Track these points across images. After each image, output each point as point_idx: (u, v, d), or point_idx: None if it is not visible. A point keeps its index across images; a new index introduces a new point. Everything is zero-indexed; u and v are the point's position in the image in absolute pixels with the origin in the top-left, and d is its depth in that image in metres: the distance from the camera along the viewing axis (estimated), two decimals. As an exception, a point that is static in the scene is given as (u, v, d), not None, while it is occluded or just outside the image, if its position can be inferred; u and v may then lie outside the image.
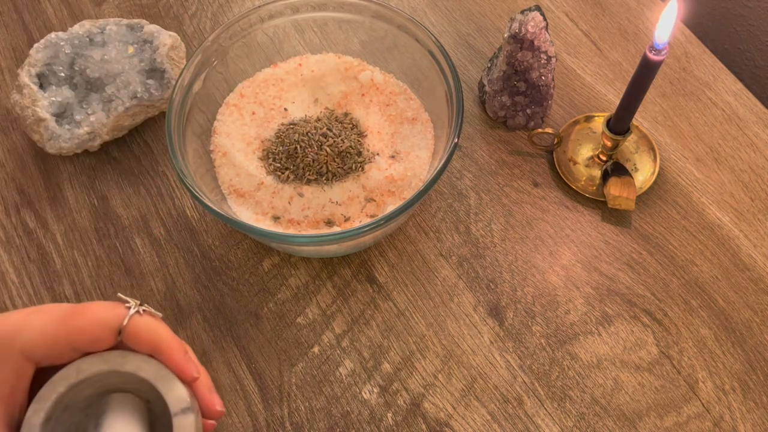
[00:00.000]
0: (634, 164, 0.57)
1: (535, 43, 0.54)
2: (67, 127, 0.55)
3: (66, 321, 0.34)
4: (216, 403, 0.37)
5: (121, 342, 0.36)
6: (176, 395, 0.35)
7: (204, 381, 0.37)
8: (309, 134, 0.53)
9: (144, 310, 0.36)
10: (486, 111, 0.60)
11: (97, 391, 0.36)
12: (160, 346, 0.35)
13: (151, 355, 0.36)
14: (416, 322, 0.52)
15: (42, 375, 0.35)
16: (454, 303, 0.52)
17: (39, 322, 0.34)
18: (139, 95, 0.56)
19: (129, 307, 0.36)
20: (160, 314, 0.37)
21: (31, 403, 0.34)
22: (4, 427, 0.33)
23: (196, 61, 0.52)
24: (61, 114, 0.56)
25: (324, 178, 0.53)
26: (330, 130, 0.54)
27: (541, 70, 0.55)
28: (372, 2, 0.55)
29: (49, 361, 0.34)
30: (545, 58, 0.55)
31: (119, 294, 0.38)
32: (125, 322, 0.35)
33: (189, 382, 0.36)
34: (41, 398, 0.34)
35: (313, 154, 0.53)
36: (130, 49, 0.58)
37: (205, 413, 0.37)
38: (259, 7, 0.55)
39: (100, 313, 0.35)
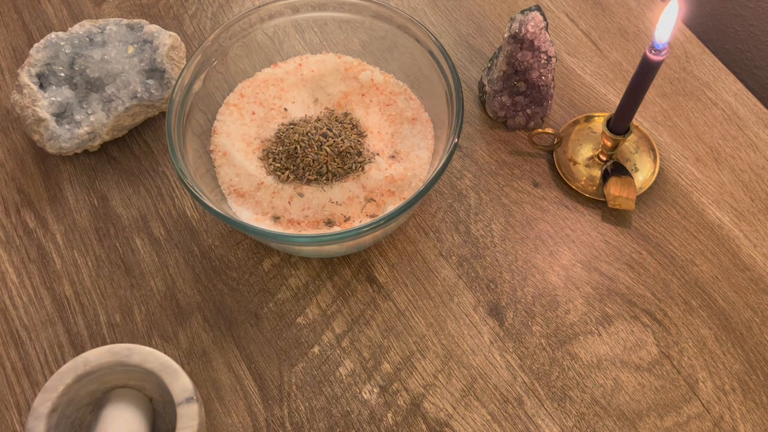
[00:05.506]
0: (634, 164, 0.57)
1: (535, 43, 0.54)
2: (67, 127, 0.55)
3: None
4: None
5: None
6: (181, 385, 0.35)
7: None
8: (309, 134, 0.53)
9: None
10: (486, 111, 0.60)
11: (101, 387, 0.37)
12: None
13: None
14: (416, 322, 0.52)
15: None
16: (454, 303, 0.52)
17: None
18: (139, 95, 0.56)
19: None
20: None
21: (39, 393, 0.34)
22: None
23: (196, 61, 0.52)
24: (61, 114, 0.56)
25: (324, 178, 0.53)
26: (330, 130, 0.54)
27: (541, 70, 0.55)
28: (372, 2, 0.55)
29: None
30: (545, 58, 0.55)
31: None
32: None
33: None
34: (48, 389, 0.34)
35: (313, 154, 0.53)
36: (130, 49, 0.58)
37: None
38: (259, 7, 0.55)
39: None
